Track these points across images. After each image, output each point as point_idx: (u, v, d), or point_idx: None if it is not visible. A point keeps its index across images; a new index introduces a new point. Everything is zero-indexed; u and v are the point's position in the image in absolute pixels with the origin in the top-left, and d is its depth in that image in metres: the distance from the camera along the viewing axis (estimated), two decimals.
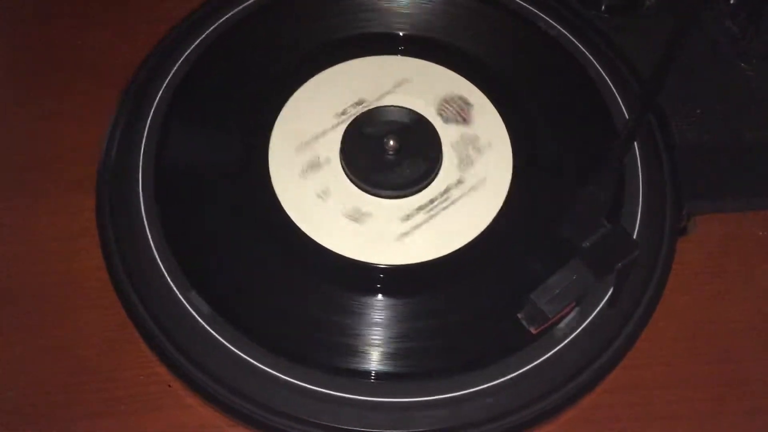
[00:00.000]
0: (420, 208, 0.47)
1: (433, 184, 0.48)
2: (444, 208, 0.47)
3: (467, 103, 0.47)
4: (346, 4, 0.54)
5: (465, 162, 0.48)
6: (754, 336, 0.47)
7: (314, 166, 0.48)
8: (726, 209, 0.50)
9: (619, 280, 0.43)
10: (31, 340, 0.45)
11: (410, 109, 0.50)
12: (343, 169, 0.48)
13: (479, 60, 0.52)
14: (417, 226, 0.46)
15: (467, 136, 0.49)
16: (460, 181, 0.48)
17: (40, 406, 0.44)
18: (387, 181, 0.48)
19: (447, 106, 0.47)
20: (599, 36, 0.54)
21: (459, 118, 0.46)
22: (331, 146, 0.49)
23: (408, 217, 0.47)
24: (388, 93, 0.51)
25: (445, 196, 0.47)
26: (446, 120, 0.47)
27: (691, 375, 0.45)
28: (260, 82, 0.52)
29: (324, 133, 0.50)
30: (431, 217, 0.47)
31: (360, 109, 0.50)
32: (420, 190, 0.48)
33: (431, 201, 0.47)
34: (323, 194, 0.48)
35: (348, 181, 0.48)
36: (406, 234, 0.46)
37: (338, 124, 0.50)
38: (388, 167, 0.48)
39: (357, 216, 0.47)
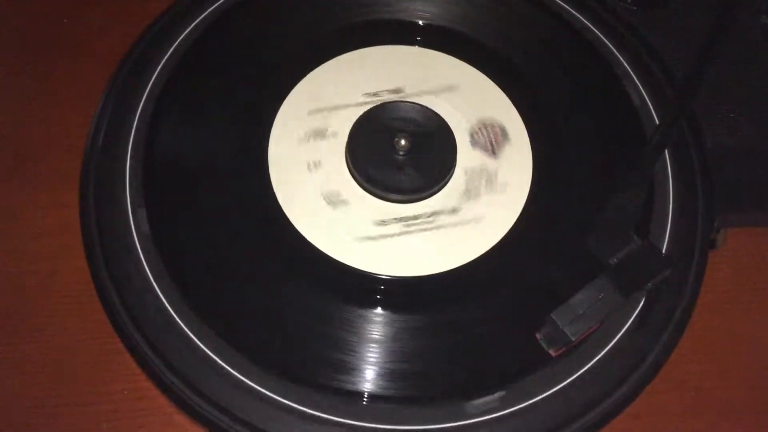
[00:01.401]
0: (400, 220, 0.44)
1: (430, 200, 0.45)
2: (423, 230, 0.44)
3: (504, 133, 0.43)
4: None
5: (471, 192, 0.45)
6: None
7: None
8: (761, 223, 0.46)
9: (649, 300, 0.40)
10: (8, 348, 0.42)
11: (439, 116, 0.46)
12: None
13: (500, 54, 0.49)
14: (388, 236, 0.43)
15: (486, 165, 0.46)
16: (454, 210, 0.45)
17: (16, 421, 0.41)
18: (381, 180, 0.44)
19: (482, 130, 0.44)
20: (629, 31, 0.50)
21: (488, 147, 0.43)
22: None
23: (383, 222, 0.44)
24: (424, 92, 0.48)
25: (431, 218, 0.44)
26: (474, 144, 0.44)
27: (722, 401, 0.43)
28: (262, 69, 0.48)
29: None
30: (406, 233, 0.44)
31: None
32: (410, 202, 0.45)
33: (415, 217, 0.44)
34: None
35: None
36: (372, 239, 0.43)
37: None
38: (391, 166, 0.45)
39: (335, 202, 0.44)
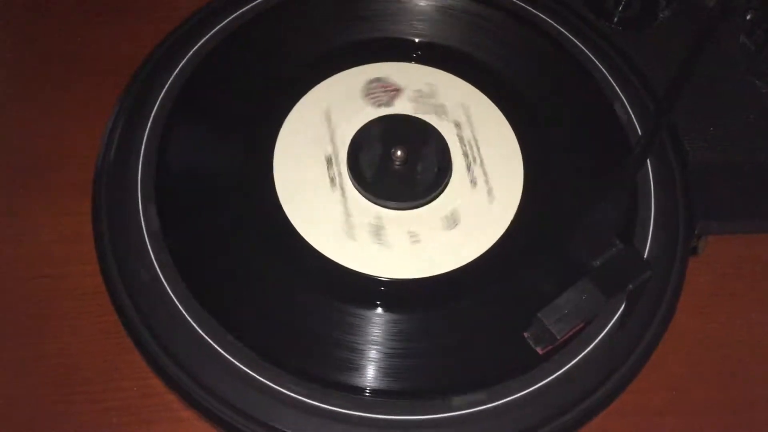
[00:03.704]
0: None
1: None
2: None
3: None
4: (359, 6, 0.53)
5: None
6: (764, 361, 0.45)
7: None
8: (738, 230, 0.48)
9: (630, 301, 0.42)
10: (21, 348, 0.44)
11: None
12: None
13: (492, 71, 0.52)
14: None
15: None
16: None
17: (27, 418, 0.42)
18: (378, 188, 0.47)
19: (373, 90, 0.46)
20: (614, 50, 0.52)
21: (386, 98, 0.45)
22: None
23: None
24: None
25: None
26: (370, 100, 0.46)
27: (700, 401, 0.44)
28: (267, 85, 0.51)
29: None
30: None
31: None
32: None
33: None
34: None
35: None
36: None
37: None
38: (388, 175, 0.47)
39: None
